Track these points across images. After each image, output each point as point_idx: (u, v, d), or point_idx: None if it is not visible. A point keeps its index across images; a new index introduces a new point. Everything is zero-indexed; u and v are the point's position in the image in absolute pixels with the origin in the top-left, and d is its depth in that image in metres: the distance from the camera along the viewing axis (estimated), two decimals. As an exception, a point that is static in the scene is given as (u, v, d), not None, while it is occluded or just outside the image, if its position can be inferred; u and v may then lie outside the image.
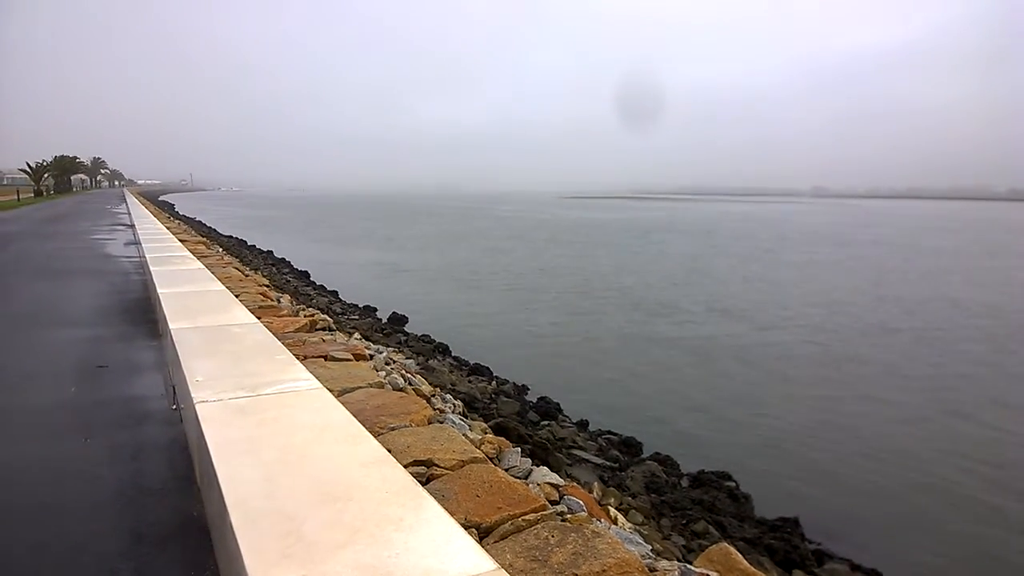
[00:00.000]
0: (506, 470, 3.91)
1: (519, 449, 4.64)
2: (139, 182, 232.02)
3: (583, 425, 10.00)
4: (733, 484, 8.12)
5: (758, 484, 8.27)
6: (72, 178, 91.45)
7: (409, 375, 6.45)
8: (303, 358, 4.97)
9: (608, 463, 8.28)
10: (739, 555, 3.53)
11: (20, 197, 50.47)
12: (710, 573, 3.25)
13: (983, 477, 9.04)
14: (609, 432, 9.80)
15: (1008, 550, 7.34)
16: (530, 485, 3.75)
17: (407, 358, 9.97)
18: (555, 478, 4.16)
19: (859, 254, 40.33)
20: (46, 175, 75.23)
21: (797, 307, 21.59)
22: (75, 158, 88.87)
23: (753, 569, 3.45)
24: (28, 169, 71.70)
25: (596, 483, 6.88)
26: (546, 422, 9.53)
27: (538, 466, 4.46)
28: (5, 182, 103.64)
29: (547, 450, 6.87)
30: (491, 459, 3.97)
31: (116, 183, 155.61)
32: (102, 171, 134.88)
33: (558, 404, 10.59)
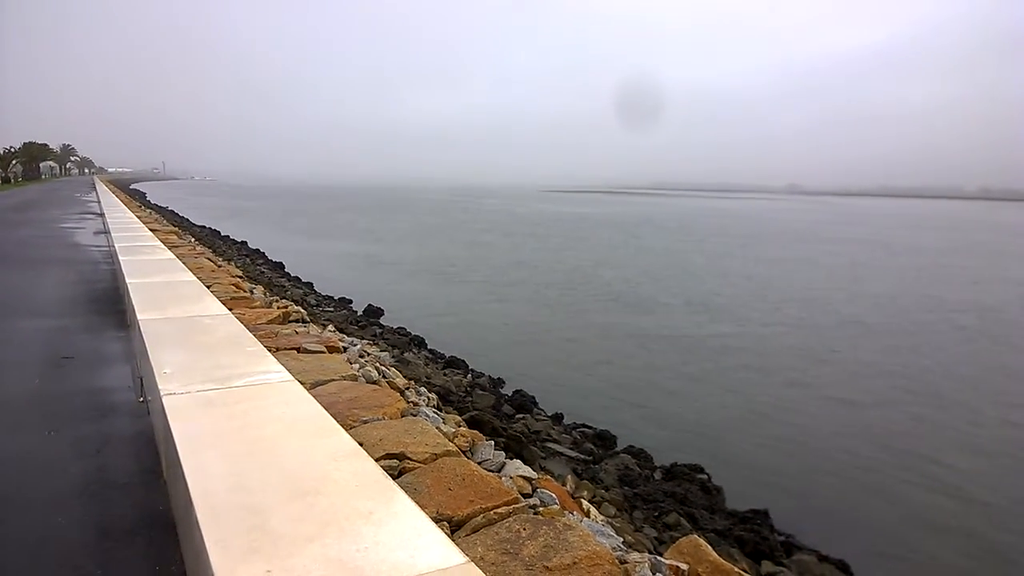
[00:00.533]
0: (479, 463, 3.91)
1: (492, 442, 4.63)
2: (110, 170, 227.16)
3: (558, 418, 10.05)
4: (705, 477, 8.23)
5: (729, 477, 8.40)
6: (41, 165, 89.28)
7: (383, 368, 6.41)
8: (275, 350, 4.90)
9: (582, 456, 8.34)
10: (708, 547, 3.57)
11: (-15, 183, 49.08)
12: (680, 565, 3.29)
13: (947, 470, 9.28)
14: (584, 425, 9.87)
15: (971, 538, 7.56)
16: (503, 478, 3.75)
17: (382, 351, 9.93)
18: (528, 471, 4.17)
19: (833, 250, 40.98)
20: (14, 162, 73.26)
21: (771, 301, 21.90)
22: (44, 145, 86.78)
23: (722, 560, 3.49)
24: (-6, 155, 69.83)
25: (570, 476, 6.93)
26: (521, 415, 9.56)
27: (512, 459, 4.46)
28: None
29: (521, 443, 6.90)
30: (464, 452, 3.97)
31: (86, 171, 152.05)
32: (72, 159, 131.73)
33: (533, 397, 10.64)
